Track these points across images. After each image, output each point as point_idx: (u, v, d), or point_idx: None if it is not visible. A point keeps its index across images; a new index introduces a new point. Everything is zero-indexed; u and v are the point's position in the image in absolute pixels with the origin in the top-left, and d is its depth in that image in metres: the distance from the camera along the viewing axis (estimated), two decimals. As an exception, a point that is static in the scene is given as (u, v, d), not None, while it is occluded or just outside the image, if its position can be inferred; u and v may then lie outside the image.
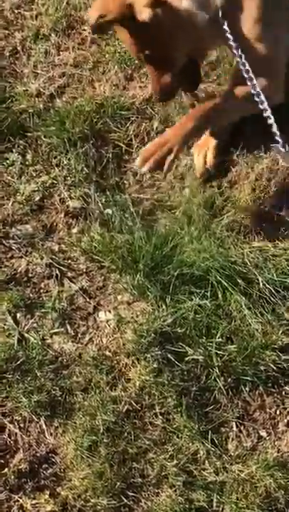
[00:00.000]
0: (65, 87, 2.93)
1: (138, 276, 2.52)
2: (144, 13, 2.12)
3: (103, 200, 2.71)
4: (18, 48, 3.01)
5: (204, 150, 2.69)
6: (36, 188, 2.75)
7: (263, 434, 2.36)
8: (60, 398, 2.37)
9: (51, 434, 2.34)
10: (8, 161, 2.79)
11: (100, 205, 2.69)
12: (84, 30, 3.02)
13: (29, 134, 2.82)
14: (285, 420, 2.37)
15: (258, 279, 2.51)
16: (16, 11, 3.08)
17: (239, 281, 2.51)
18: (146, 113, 2.85)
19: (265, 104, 2.16)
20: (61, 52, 3.00)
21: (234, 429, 2.36)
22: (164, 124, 2.81)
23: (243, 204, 2.66)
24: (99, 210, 2.70)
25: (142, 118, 2.84)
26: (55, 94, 2.90)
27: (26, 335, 2.47)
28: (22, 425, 2.35)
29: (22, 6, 3.09)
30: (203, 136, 2.66)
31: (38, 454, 2.30)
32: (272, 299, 2.48)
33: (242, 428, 2.37)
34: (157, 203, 2.71)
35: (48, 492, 2.25)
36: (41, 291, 2.58)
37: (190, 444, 2.31)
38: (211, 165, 2.68)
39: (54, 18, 3.02)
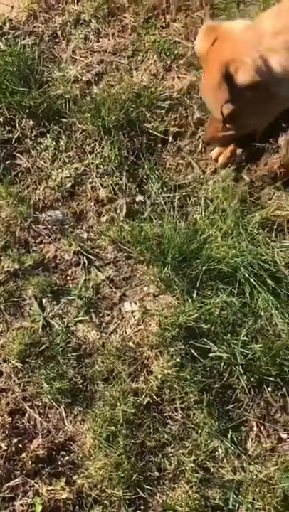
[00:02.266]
0: (102, 74, 2.91)
1: (165, 269, 2.50)
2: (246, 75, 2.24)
3: (134, 190, 2.69)
4: (58, 33, 2.99)
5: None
6: (68, 175, 2.73)
7: (284, 435, 2.34)
8: (81, 386, 2.37)
9: (70, 422, 2.34)
10: (41, 146, 2.78)
11: (131, 194, 2.68)
12: (124, 17, 2.99)
13: (64, 120, 2.81)
14: (307, 423, 2.35)
15: (287, 279, 2.48)
16: (57, -5, 3.06)
17: (268, 280, 2.48)
18: (183, 104, 2.82)
19: None
20: (100, 39, 2.98)
21: (254, 429, 2.34)
22: (202, 112, 2.77)
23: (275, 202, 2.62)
24: (130, 200, 2.68)
25: (178, 109, 2.81)
26: (92, 81, 2.88)
27: (51, 321, 2.47)
28: (42, 411, 2.36)
29: (64, -9, 3.07)
30: None
31: (56, 441, 2.31)
32: (301, 299, 2.45)
33: (262, 428, 2.34)
34: (189, 195, 2.68)
35: (64, 479, 2.25)
36: (68, 278, 2.57)
37: (209, 441, 2.30)
38: (219, 162, 2.70)
39: (95, 4, 2.99)
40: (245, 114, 2.41)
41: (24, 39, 2.95)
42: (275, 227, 2.58)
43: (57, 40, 2.99)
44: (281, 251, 2.54)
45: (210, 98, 2.43)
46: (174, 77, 2.88)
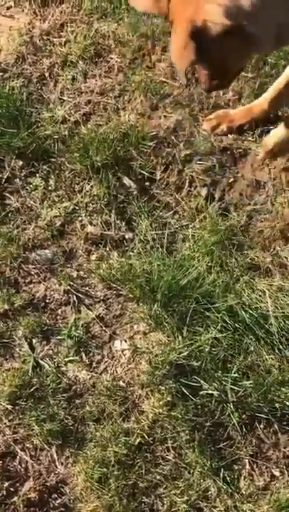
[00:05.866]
0: (90, 114, 2.95)
1: (155, 306, 2.51)
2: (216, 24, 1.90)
3: (124, 227, 2.72)
4: (46, 74, 3.04)
5: None
6: (58, 214, 2.75)
7: (276, 473, 2.32)
8: (72, 427, 2.36)
9: (62, 464, 2.33)
10: (31, 186, 2.81)
11: (121, 232, 2.70)
12: (111, 58, 3.05)
13: (53, 160, 2.84)
14: (300, 460, 2.34)
15: (276, 315, 2.49)
16: (45, 38, 3.12)
17: (256, 316, 2.49)
18: (170, 142, 2.86)
19: None
20: (88, 80, 3.03)
21: (247, 467, 2.33)
22: (189, 149, 2.82)
23: (262, 240, 2.65)
24: (119, 237, 2.70)
25: (165, 147, 2.85)
26: (80, 121, 2.92)
27: (41, 361, 2.46)
28: (33, 453, 2.34)
29: (51, 33, 3.13)
30: None
31: (48, 484, 2.29)
32: (290, 335, 2.46)
33: (255, 466, 2.33)
34: (178, 232, 2.70)
35: (56, 523, 2.23)
36: (58, 317, 2.57)
37: (201, 481, 2.28)
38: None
39: (82, 45, 3.05)
40: (227, 62, 2.16)
41: (13, 81, 3.00)
42: (262, 264, 2.61)
43: (45, 81, 3.04)
44: (270, 287, 2.56)
45: (177, 62, 2.09)
46: (160, 116, 2.92)
